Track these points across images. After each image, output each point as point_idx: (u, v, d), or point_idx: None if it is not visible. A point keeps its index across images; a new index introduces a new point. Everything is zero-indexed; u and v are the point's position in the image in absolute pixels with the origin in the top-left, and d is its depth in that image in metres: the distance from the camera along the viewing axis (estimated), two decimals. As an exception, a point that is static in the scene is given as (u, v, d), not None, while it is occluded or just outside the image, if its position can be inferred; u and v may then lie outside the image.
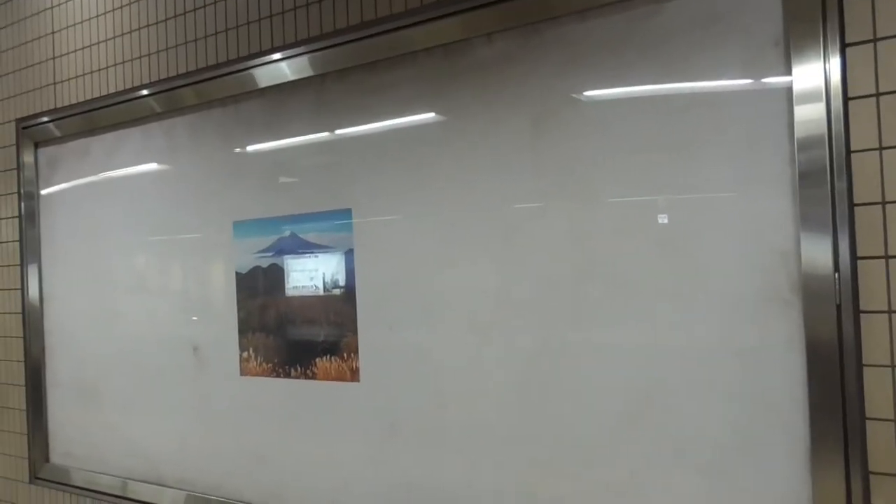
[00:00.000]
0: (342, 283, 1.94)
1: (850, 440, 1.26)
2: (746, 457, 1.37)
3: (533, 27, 1.64)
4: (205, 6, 2.21)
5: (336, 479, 1.95)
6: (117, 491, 2.48)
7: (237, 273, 2.17)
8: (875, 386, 1.25)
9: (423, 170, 1.80)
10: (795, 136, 1.32)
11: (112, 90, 2.47)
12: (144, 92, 2.38)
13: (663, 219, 1.48)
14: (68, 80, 2.61)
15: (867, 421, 1.26)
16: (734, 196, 1.40)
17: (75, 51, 2.59)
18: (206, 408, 2.26)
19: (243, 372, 2.16)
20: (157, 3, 2.33)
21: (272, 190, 2.10)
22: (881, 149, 1.26)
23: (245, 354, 2.15)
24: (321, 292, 1.98)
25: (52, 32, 2.67)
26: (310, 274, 2.00)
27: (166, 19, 2.31)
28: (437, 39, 1.77)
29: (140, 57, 2.38)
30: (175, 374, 2.33)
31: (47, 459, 2.76)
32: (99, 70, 2.51)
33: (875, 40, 1.27)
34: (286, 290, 2.06)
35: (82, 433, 2.64)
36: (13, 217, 2.81)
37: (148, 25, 2.36)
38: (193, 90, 2.26)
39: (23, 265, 2.78)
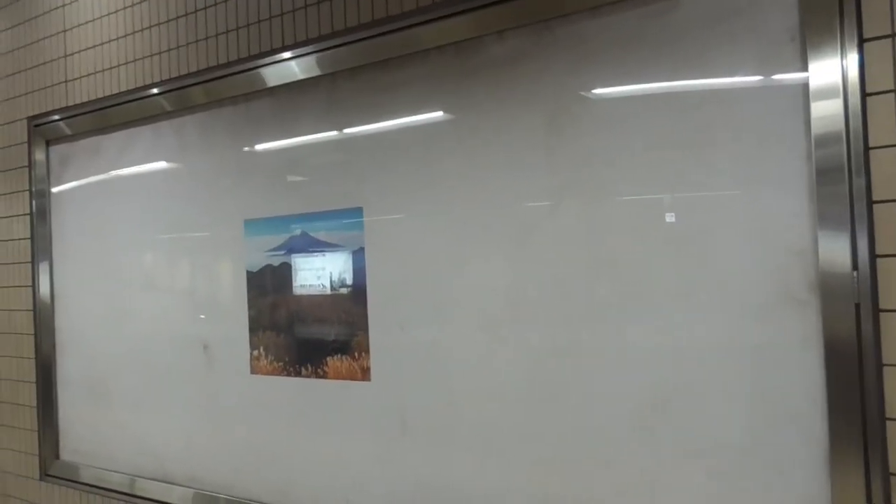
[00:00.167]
0: (353, 281, 1.93)
1: (869, 441, 1.24)
2: (762, 458, 1.36)
3: (545, 24, 1.63)
4: (216, 4, 2.21)
5: (346, 478, 1.95)
6: (126, 488, 2.48)
7: (248, 271, 2.17)
8: (895, 386, 1.24)
9: (435, 168, 1.79)
10: (812, 133, 1.31)
11: (123, 88, 2.47)
12: (155, 90, 2.38)
13: (677, 217, 1.46)
14: (80, 78, 2.61)
15: (887, 421, 1.24)
16: (749, 194, 1.38)
17: (87, 49, 2.59)
18: (215, 406, 2.26)
19: (254, 370, 2.15)
20: (168, 2, 2.33)
21: (283, 188, 2.10)
22: (900, 146, 1.25)
23: (255, 353, 2.15)
24: (331, 291, 1.98)
25: (64, 31, 2.67)
26: (319, 273, 2.00)
27: (177, 17, 2.31)
28: (448, 37, 1.77)
29: (151, 55, 2.38)
30: (185, 373, 2.33)
31: (57, 456, 2.77)
32: (110, 68, 2.51)
33: (894, 35, 1.25)
34: (296, 289, 2.06)
35: (92, 430, 2.64)
36: (24, 214, 2.82)
37: (159, 24, 2.36)
38: (204, 88, 2.26)
39: (34, 263, 2.79)
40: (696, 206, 1.44)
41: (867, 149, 1.26)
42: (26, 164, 2.81)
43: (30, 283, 2.81)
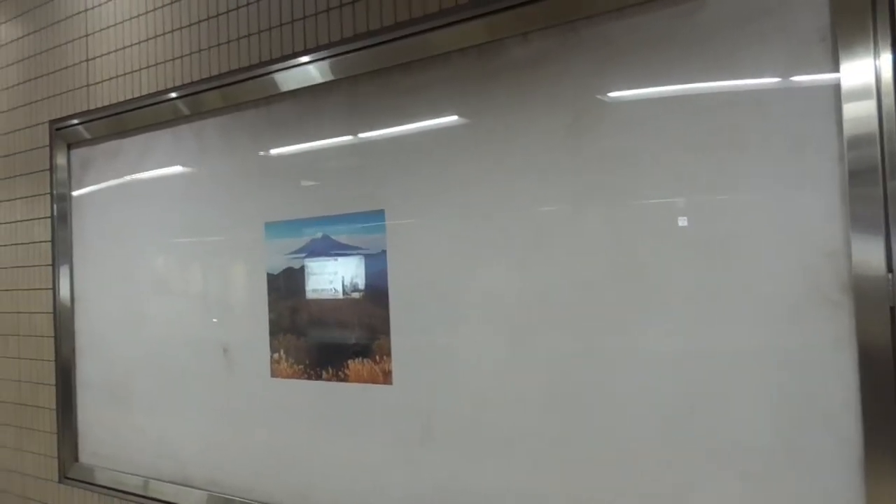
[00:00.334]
0: (375, 284, 1.92)
1: (904, 445, 1.22)
2: (795, 464, 1.34)
3: (570, 26, 1.63)
4: (237, 8, 2.22)
5: (367, 483, 1.94)
6: (145, 491, 2.48)
7: (268, 274, 2.17)
8: (930, 390, 1.22)
9: (457, 171, 1.79)
10: (845, 134, 1.29)
11: (144, 92, 2.49)
12: (176, 94, 2.39)
13: (705, 220, 1.45)
14: (101, 82, 2.63)
15: (922, 426, 1.22)
16: (779, 196, 1.37)
17: (108, 53, 2.61)
18: (235, 409, 2.25)
19: (274, 373, 2.15)
20: (191, 6, 2.35)
21: (304, 191, 2.10)
22: (936, 146, 1.23)
23: (276, 356, 2.15)
24: (354, 294, 1.97)
25: (86, 35, 2.69)
26: (342, 275, 2.00)
27: (199, 21, 2.32)
28: (471, 40, 1.76)
29: (173, 59, 2.40)
30: (205, 376, 2.34)
31: (76, 459, 2.78)
32: (132, 72, 2.53)
33: (929, 35, 1.24)
34: (317, 292, 2.06)
35: (111, 433, 2.65)
36: (45, 217, 2.84)
37: (181, 28, 2.37)
38: (224, 92, 2.27)
39: (54, 265, 2.81)
40: (724, 208, 1.42)
41: (902, 150, 1.25)
42: (48, 167, 2.83)
43: (50, 286, 2.82)
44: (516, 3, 1.67)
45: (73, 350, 2.78)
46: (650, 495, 1.50)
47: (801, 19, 1.35)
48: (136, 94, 2.51)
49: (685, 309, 1.46)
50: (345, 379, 1.99)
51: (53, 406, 2.82)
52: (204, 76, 2.30)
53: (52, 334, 2.82)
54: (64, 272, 2.79)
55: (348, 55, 1.97)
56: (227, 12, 2.24)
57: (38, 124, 2.87)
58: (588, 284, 1.58)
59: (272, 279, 2.16)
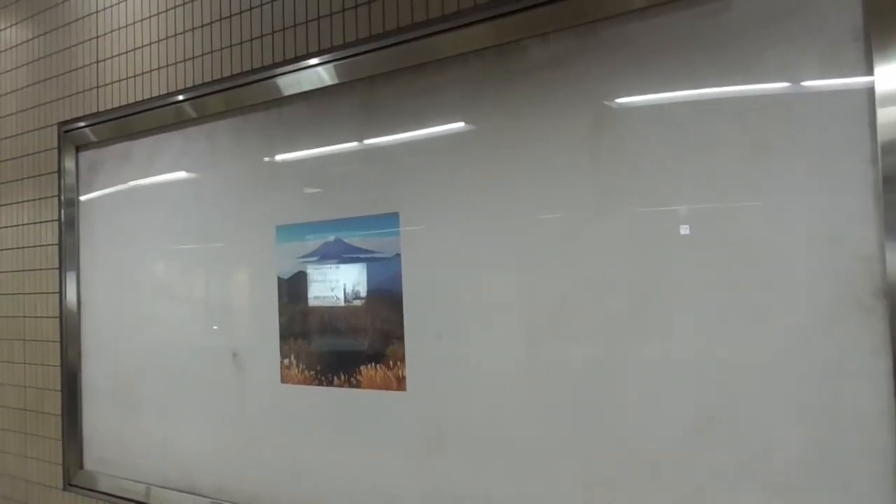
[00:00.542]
0: (388, 288, 1.89)
1: (943, 457, 1.18)
2: (825, 475, 1.30)
3: (590, 27, 1.60)
4: (250, 9, 2.20)
5: (379, 492, 1.90)
6: (151, 499, 2.44)
7: (279, 278, 2.14)
8: (969, 400, 1.18)
9: (474, 173, 1.75)
10: (879, 138, 1.26)
11: (155, 94, 2.46)
12: (186, 96, 2.37)
13: (732, 225, 1.41)
14: (111, 83, 2.61)
15: (962, 437, 1.18)
16: (810, 200, 1.34)
17: (119, 55, 2.59)
18: (244, 415, 2.22)
19: (284, 379, 2.11)
20: (202, 7, 2.32)
21: (316, 194, 2.07)
22: (974, 148, 1.19)
23: (286, 361, 2.11)
24: (366, 298, 1.94)
25: (97, 36, 2.67)
26: (355, 279, 1.96)
27: (211, 23, 2.30)
28: (489, 41, 1.73)
29: (184, 60, 2.37)
30: (213, 381, 2.30)
31: (81, 466, 2.74)
32: (142, 74, 2.50)
33: (966, 34, 1.20)
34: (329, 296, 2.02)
35: (117, 440, 2.61)
36: (53, 220, 2.81)
37: (192, 29, 2.35)
38: (236, 94, 2.24)
39: (61, 269, 2.78)
40: (752, 212, 1.39)
41: (938, 152, 1.21)
42: (55, 169, 2.80)
43: (57, 290, 2.79)
44: (535, 3, 1.65)
45: (79, 355, 2.75)
46: (674, 506, 1.46)
47: (833, 19, 1.32)
48: (147, 96, 2.49)
49: (710, 315, 1.42)
50: (357, 385, 1.95)
51: (59, 412, 2.78)
52: (216, 77, 2.28)
53: (58, 339, 2.79)
54: (71, 276, 2.76)
55: (362, 57, 1.94)
56: (240, 13, 2.22)
57: (47, 126, 2.85)
58: (609, 289, 1.55)
59: (283, 283, 2.13)
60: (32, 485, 2.88)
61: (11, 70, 3.03)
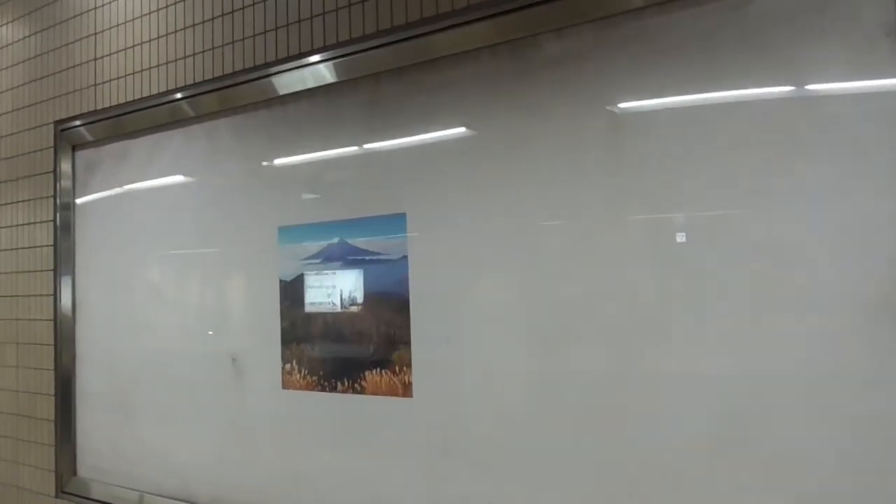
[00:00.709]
0: (394, 291, 1.83)
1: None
2: (860, 488, 1.23)
3: (609, 21, 1.54)
4: (253, 4, 2.14)
5: (384, 500, 1.83)
6: (147, 508, 2.37)
7: (281, 281, 2.07)
8: None
9: (485, 173, 1.70)
10: (913, 135, 1.20)
11: (154, 91, 2.40)
12: (186, 94, 2.31)
13: (759, 228, 1.35)
14: (109, 81, 2.54)
15: None
16: (842, 203, 1.28)
17: (116, 52, 2.53)
18: (244, 422, 2.15)
19: (285, 385, 2.05)
20: (203, 3, 2.27)
21: (319, 194, 2.01)
22: None
23: (287, 366, 2.05)
24: (372, 301, 1.87)
25: (94, 34, 2.61)
26: (359, 282, 1.90)
27: (213, 18, 2.24)
28: (503, 35, 1.68)
29: (184, 57, 2.31)
30: (211, 387, 2.23)
31: (75, 473, 2.67)
32: (141, 71, 2.44)
33: None
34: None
35: (112, 446, 2.54)
36: (48, 221, 2.75)
37: (193, 25, 2.29)
38: (237, 91, 2.18)
39: (56, 271, 2.71)
40: (781, 216, 1.33)
41: (977, 150, 1.16)
42: (51, 169, 2.74)
43: (51, 293, 2.72)
44: (550, -4, 1.60)
45: (73, 359, 2.68)
46: (695, 520, 1.39)
47: (865, 12, 1.27)
48: (145, 94, 2.43)
49: (736, 321, 1.36)
50: (361, 391, 1.88)
51: (52, 417, 2.71)
52: (217, 75, 2.22)
53: (53, 342, 2.72)
54: (66, 278, 2.69)
55: (368, 53, 1.88)
56: (242, 9, 2.16)
57: (43, 125, 2.78)
58: (626, 295, 1.49)
59: (285, 286, 2.07)
60: (24, 492, 2.81)
61: (7, 68, 2.97)
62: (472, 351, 1.70)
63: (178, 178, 2.38)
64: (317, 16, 1.99)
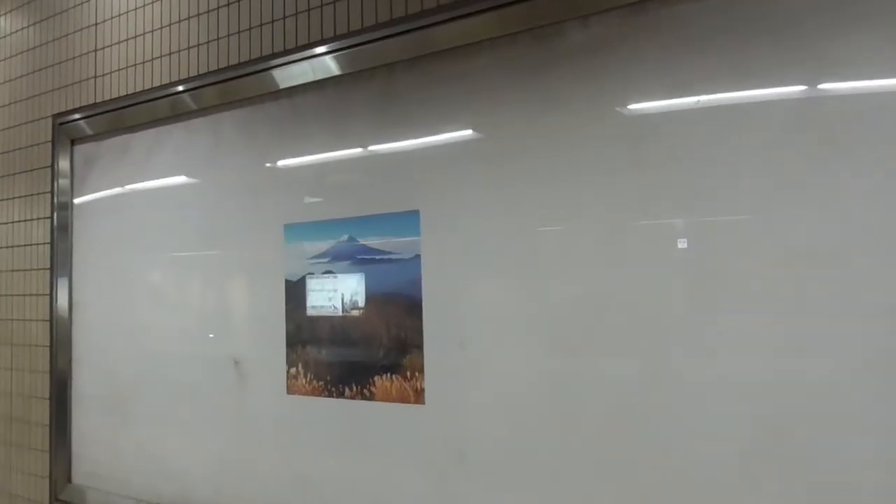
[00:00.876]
0: (406, 292, 1.74)
1: None
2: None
3: (639, 6, 1.46)
4: (260, -7, 2.06)
5: (394, 514, 1.74)
6: (144, 516, 2.28)
7: (287, 281, 1.98)
8: None
9: (504, 169, 1.61)
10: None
11: (155, 84, 2.32)
12: (188, 86, 2.22)
13: (799, 229, 1.27)
14: (109, 73, 2.46)
15: None
16: (877, 201, 1.20)
17: (117, 43, 2.45)
18: (247, 428, 2.06)
19: (290, 390, 1.96)
20: (208, -8, 2.19)
21: (327, 190, 1.92)
22: None
23: (293, 370, 1.96)
24: (382, 302, 1.79)
25: (94, 24, 2.53)
26: (370, 282, 1.81)
27: (218, 7, 2.16)
28: (524, 24, 1.59)
29: (188, 48, 2.23)
30: (212, 391, 2.14)
31: (69, 479, 2.58)
32: (142, 63, 2.36)
33: None
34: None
35: (109, 452, 2.45)
36: (45, 218, 2.66)
37: (197, 14, 2.21)
38: (241, 84, 2.10)
39: (53, 269, 2.62)
40: (821, 216, 1.25)
41: None
42: (49, 164, 2.65)
43: (48, 292, 2.64)
44: (577, -18, 1.51)
45: (69, 361, 2.59)
46: (731, 539, 1.30)
47: (916, -3, 1.18)
48: (146, 87, 2.35)
49: (772, 325, 1.28)
50: (370, 397, 1.80)
51: (47, 422, 2.62)
52: (221, 66, 2.14)
53: (48, 344, 2.63)
54: (63, 277, 2.61)
55: (383, 41, 1.80)
56: (249, -2, 2.08)
57: (41, 119, 2.70)
58: (653, 296, 1.40)
59: (291, 286, 1.98)
60: (17, 499, 2.72)
61: (4, 59, 2.89)
62: (489, 355, 1.61)
63: (180, 174, 2.30)
64: (327, 4, 1.90)
